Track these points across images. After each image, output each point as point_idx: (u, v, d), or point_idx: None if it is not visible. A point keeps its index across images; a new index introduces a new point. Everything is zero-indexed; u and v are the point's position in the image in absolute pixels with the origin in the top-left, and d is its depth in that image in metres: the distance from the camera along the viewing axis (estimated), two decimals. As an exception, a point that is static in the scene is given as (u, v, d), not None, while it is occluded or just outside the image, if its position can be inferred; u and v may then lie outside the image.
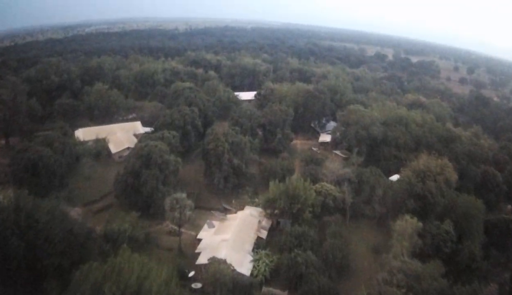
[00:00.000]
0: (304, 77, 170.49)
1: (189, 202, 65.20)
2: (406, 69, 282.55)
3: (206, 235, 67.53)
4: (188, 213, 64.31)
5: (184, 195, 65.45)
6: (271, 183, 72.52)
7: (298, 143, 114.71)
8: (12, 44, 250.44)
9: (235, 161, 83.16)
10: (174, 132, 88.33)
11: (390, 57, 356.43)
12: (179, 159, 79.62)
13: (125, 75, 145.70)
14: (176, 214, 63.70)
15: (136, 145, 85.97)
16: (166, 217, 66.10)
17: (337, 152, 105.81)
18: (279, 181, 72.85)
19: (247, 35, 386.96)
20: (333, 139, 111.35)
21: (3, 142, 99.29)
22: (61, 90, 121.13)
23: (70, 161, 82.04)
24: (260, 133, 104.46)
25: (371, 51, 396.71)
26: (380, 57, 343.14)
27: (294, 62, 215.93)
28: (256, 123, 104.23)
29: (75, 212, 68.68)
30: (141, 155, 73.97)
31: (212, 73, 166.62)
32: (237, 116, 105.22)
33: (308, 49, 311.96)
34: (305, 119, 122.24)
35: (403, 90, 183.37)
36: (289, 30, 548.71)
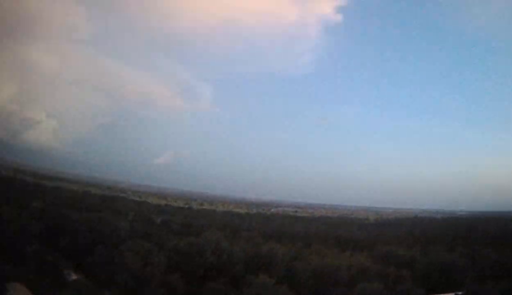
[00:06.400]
0: None
1: None
2: None
3: None
4: None
5: None
6: None
7: None
8: (186, 206, 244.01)
9: None
10: None
11: None
12: None
13: (301, 268, 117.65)
14: None
15: None
16: None
17: None
18: None
19: (438, 225, 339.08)
20: None
21: None
22: (217, 273, 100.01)
23: None
24: None
25: None
26: None
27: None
28: None
29: None
30: None
31: (404, 272, 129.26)
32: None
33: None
34: None
35: None
36: (479, 218, 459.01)
